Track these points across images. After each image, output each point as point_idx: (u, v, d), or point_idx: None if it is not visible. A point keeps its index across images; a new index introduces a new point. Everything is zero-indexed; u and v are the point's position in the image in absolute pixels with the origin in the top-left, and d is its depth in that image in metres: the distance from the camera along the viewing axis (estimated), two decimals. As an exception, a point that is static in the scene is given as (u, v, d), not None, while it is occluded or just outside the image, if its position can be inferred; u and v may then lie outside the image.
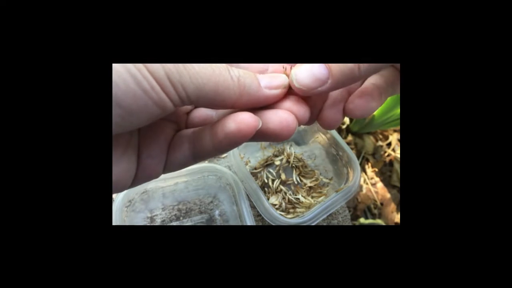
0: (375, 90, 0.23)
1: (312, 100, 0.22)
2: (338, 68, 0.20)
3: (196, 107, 0.24)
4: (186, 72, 0.17)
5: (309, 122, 0.23)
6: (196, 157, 0.21)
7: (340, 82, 0.20)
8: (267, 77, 0.20)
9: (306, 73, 0.20)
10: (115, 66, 0.15)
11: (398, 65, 0.24)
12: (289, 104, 0.21)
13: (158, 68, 0.16)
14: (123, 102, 0.15)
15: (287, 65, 0.22)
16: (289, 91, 0.21)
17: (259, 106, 0.20)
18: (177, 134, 0.22)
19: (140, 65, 0.16)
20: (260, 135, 0.20)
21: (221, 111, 0.23)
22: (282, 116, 0.20)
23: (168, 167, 0.22)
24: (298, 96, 0.21)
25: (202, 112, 0.24)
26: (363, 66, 0.20)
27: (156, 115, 0.17)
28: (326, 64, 0.20)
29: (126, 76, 0.15)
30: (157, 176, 0.22)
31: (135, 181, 0.21)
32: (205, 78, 0.17)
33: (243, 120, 0.18)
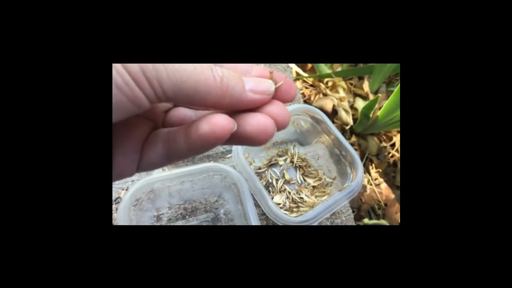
0: None
1: None
2: None
3: (175, 105, 0.23)
4: (164, 68, 0.16)
5: None
6: (170, 158, 0.21)
7: None
8: (253, 80, 0.20)
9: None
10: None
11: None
12: (270, 107, 0.20)
13: (133, 64, 0.16)
14: None
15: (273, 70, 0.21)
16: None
17: (242, 109, 0.20)
18: (153, 133, 0.22)
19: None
20: (236, 138, 0.19)
21: (200, 112, 0.23)
22: (260, 120, 0.19)
23: (142, 166, 0.21)
24: (279, 101, 0.21)
25: (180, 112, 0.23)
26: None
27: (130, 111, 0.17)
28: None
29: None
30: (130, 175, 0.21)
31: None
32: (184, 76, 0.16)
33: (218, 122, 0.18)
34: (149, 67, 0.16)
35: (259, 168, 0.50)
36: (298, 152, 0.51)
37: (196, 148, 0.19)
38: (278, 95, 0.21)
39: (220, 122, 0.18)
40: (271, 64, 0.65)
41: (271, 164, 0.50)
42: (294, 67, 1.00)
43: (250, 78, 0.20)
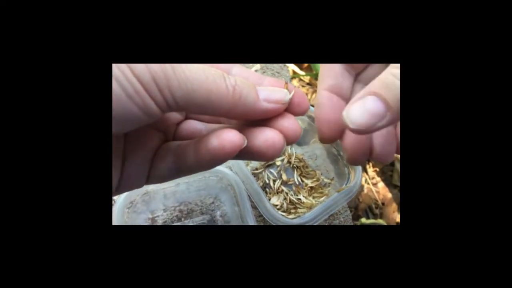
0: None
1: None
2: (394, 97, 0.18)
3: (186, 117, 0.24)
4: (175, 76, 0.16)
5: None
6: (180, 171, 0.21)
7: (398, 111, 0.18)
8: (267, 90, 0.19)
9: (360, 111, 0.19)
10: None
11: None
12: (281, 121, 0.20)
13: (144, 71, 0.15)
14: None
15: (288, 82, 0.21)
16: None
17: (255, 118, 0.19)
18: (163, 145, 0.22)
19: (124, 66, 0.15)
20: (245, 154, 0.19)
21: (210, 126, 0.23)
22: (269, 135, 0.19)
23: (151, 178, 0.21)
24: (290, 114, 0.20)
25: (191, 125, 0.23)
26: None
27: (141, 121, 0.16)
28: (379, 95, 0.18)
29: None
30: (139, 186, 0.21)
31: (118, 190, 0.20)
32: (196, 84, 0.16)
33: (227, 137, 0.18)
34: (160, 75, 0.15)
35: (256, 169, 0.49)
36: (295, 152, 0.50)
37: (205, 162, 0.19)
38: (289, 108, 0.20)
39: (229, 137, 0.18)
40: (269, 64, 0.65)
41: (268, 165, 0.49)
42: (290, 65, 1.00)
43: (263, 87, 0.19)
